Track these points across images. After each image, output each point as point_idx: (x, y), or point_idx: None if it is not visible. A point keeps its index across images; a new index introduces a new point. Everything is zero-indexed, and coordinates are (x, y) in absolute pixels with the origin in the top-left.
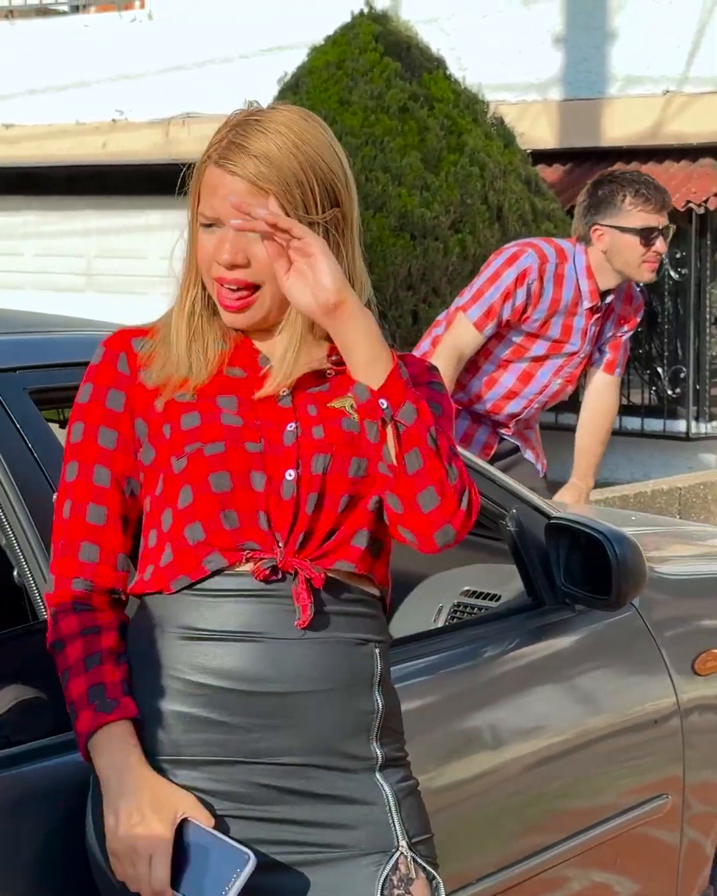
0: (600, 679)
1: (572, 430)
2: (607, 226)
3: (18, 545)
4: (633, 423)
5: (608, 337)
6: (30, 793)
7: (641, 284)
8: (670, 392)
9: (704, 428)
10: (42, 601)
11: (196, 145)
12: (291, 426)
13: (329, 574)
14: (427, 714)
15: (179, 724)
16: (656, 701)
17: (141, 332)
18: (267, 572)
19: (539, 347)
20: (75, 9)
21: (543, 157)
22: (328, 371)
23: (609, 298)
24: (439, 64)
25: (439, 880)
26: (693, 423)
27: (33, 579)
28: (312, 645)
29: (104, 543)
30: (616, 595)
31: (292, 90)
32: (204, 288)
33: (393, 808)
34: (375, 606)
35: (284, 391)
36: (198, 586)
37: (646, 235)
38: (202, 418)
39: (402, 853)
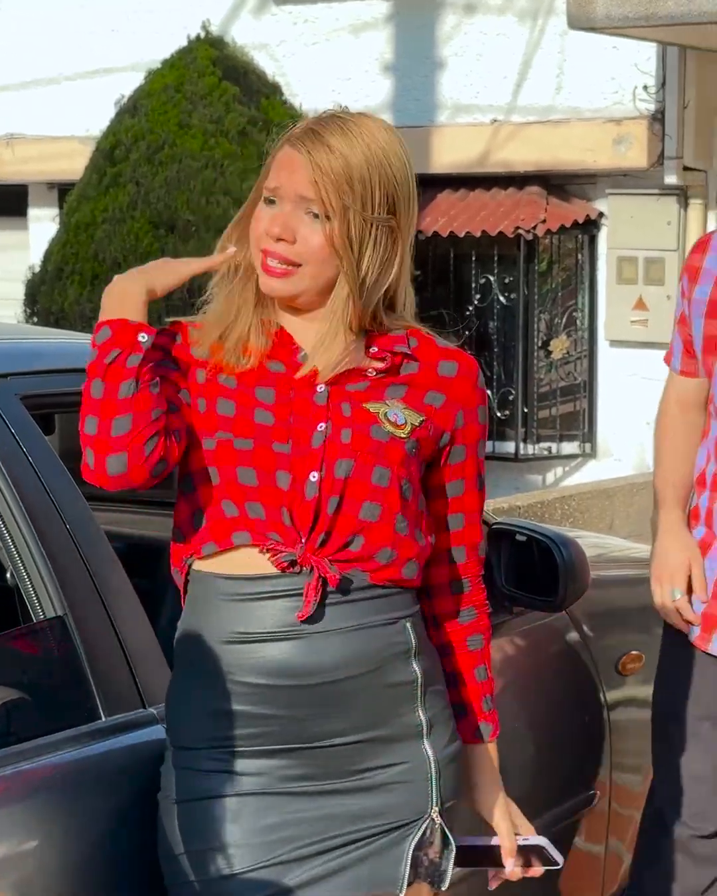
0: (537, 677)
1: None
2: None
3: (14, 546)
4: None
5: None
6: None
7: None
8: (499, 414)
9: (532, 449)
10: (37, 602)
11: (20, 166)
12: (321, 426)
13: (347, 575)
14: None
15: (235, 720)
16: (586, 700)
17: (196, 325)
18: (285, 564)
19: None
20: None
21: None
22: (370, 371)
23: None
24: (276, 89)
25: (453, 847)
26: (522, 445)
27: (30, 582)
28: (348, 634)
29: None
30: (562, 596)
31: (130, 113)
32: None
33: (434, 776)
34: (403, 586)
35: (321, 387)
36: (240, 592)
37: None
38: (237, 409)
39: (432, 819)
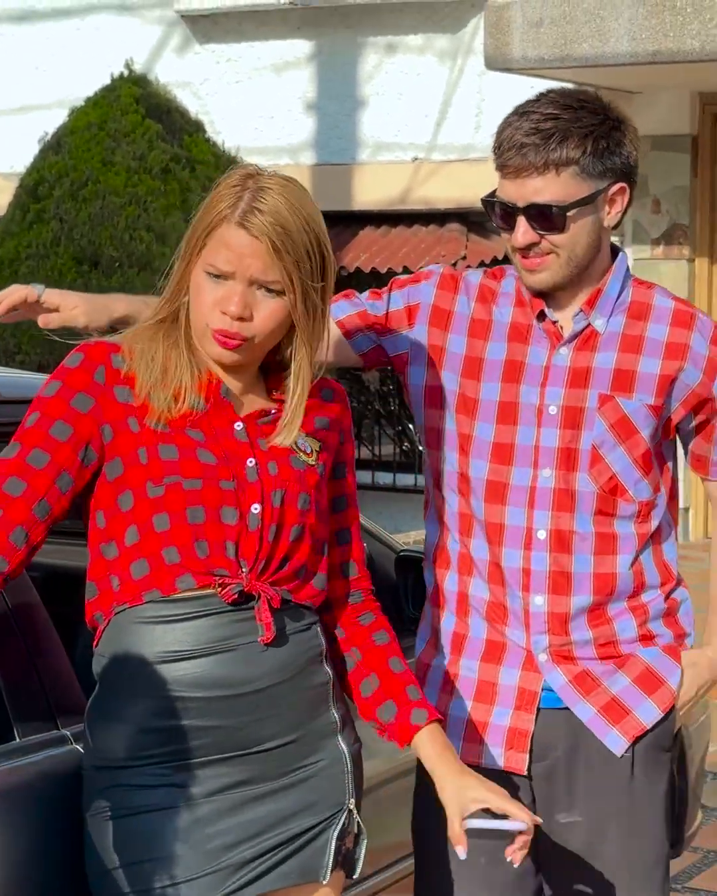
0: None
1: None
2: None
3: None
4: (385, 478)
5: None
6: None
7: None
8: (420, 447)
9: None
10: None
11: None
12: (250, 462)
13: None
14: None
15: (173, 734)
16: None
17: (116, 348)
18: (235, 596)
19: (488, 409)
20: None
21: None
22: (272, 410)
23: (576, 313)
24: (199, 127)
25: (364, 834)
26: None
27: None
28: (277, 642)
29: (7, 511)
30: None
31: (54, 149)
32: (187, 322)
33: (350, 769)
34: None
35: (238, 424)
36: (169, 613)
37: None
38: (180, 453)
39: (350, 810)
